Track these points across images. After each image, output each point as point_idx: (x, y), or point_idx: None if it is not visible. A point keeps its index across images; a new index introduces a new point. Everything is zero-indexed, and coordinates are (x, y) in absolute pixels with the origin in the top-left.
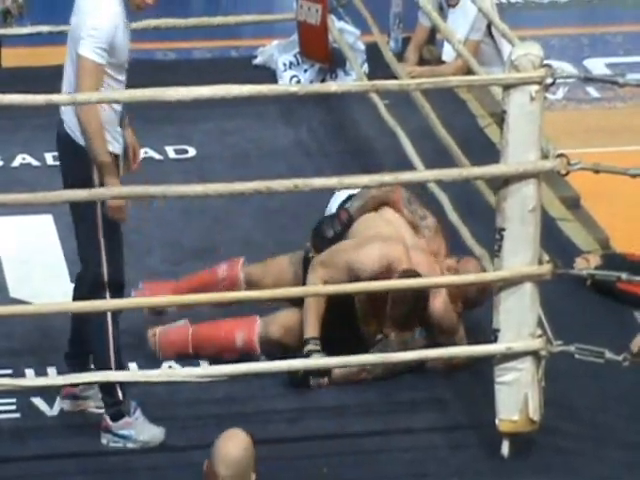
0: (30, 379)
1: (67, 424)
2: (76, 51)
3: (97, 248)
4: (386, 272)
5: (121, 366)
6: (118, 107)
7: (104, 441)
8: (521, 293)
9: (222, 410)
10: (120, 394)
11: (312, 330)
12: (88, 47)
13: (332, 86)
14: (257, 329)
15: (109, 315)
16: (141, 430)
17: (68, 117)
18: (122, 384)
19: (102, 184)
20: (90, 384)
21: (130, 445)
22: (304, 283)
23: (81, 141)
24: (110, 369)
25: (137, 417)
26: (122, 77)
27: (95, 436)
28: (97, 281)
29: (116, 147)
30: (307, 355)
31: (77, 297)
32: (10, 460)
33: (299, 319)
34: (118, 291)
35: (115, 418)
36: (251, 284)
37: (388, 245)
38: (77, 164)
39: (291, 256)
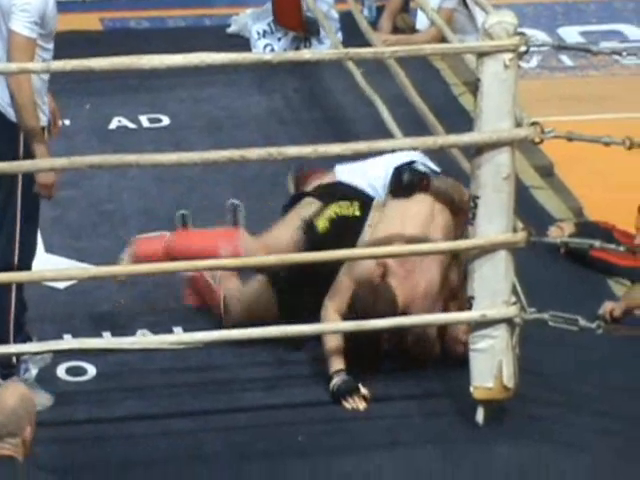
0: (4, 347)
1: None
2: (7, 26)
3: (13, 224)
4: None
5: (21, 337)
6: (45, 77)
7: None
8: (495, 261)
9: (197, 378)
10: (14, 357)
11: (337, 364)
12: (20, 22)
13: (306, 54)
14: (241, 244)
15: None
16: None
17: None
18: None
19: (29, 157)
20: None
21: None
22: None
23: (10, 115)
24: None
25: (26, 378)
26: (50, 45)
27: (69, 405)
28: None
29: (43, 120)
30: (337, 389)
31: None
32: None
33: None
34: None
35: (4, 376)
36: None
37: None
38: (3, 138)
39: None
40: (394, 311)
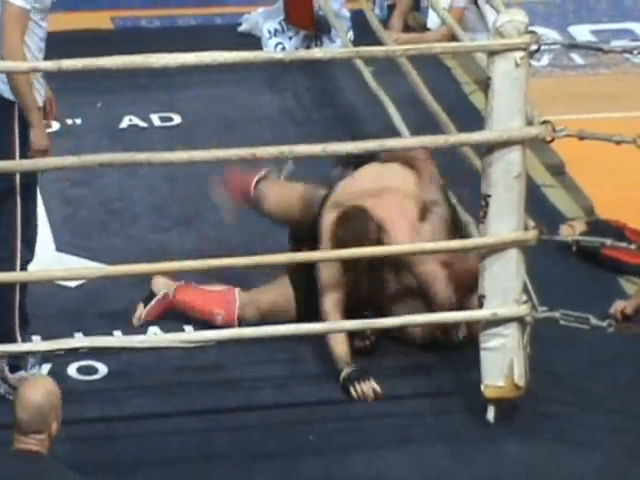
0: (16, 345)
1: None
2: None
3: (13, 209)
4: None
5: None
6: (40, 55)
7: (1, 390)
8: (506, 259)
9: (208, 377)
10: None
11: (344, 358)
12: None
13: (317, 53)
14: (236, 311)
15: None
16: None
17: None
18: (24, 339)
19: (24, 135)
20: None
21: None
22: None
23: (6, 94)
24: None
25: (34, 374)
26: (45, 23)
27: (80, 404)
28: (7, 247)
29: (38, 99)
30: (345, 382)
31: None
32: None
33: (279, 298)
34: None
35: (12, 369)
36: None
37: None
38: None
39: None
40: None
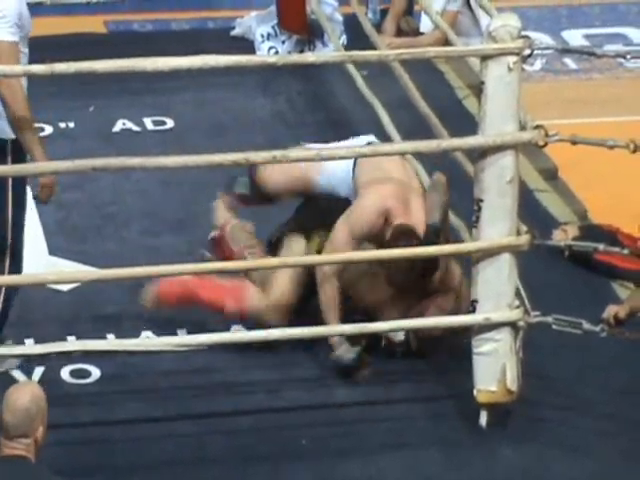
0: (8, 348)
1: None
2: None
3: (5, 221)
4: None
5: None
6: (25, 83)
7: None
8: (499, 264)
9: (201, 380)
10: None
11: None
12: (1, 29)
13: (310, 57)
14: (248, 303)
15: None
16: None
17: None
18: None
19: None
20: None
21: None
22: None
23: None
24: None
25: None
26: (26, 50)
27: (73, 408)
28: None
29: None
30: (339, 357)
31: None
32: None
33: (294, 290)
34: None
35: None
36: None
37: (383, 193)
38: None
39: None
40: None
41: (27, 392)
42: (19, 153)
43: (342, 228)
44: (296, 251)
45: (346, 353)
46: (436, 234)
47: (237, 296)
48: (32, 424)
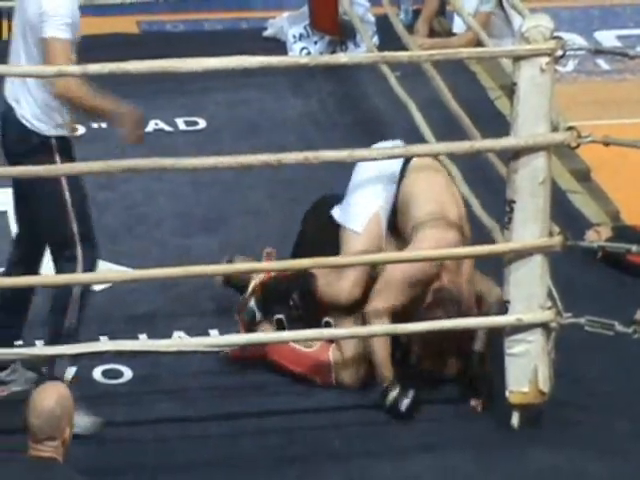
0: (40, 348)
1: (78, 395)
2: (40, 37)
3: (67, 225)
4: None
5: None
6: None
7: None
8: (531, 265)
9: (232, 381)
10: (57, 371)
11: (389, 371)
12: (54, 27)
13: (342, 58)
14: (332, 374)
15: (77, 289)
16: (79, 415)
17: (24, 108)
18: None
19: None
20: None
21: None
22: None
23: (42, 130)
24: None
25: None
26: (74, 56)
27: (105, 408)
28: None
29: (60, 132)
30: (394, 402)
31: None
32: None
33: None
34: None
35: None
36: None
37: (443, 244)
38: (39, 155)
39: None
40: (459, 310)
41: (52, 393)
42: (66, 151)
43: (400, 269)
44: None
45: (401, 397)
46: (481, 361)
47: (321, 368)
48: (58, 426)
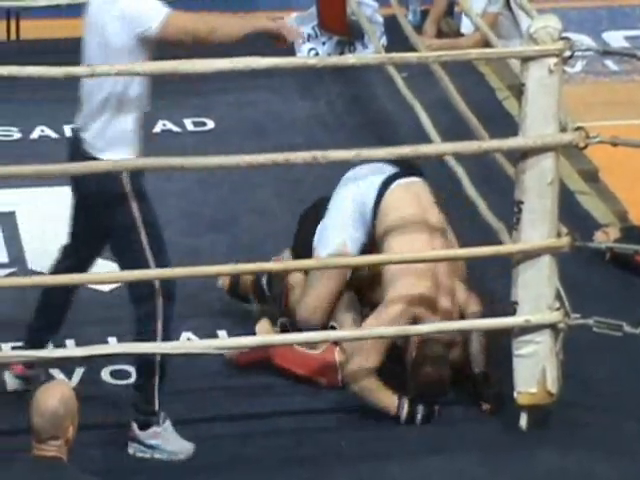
0: (48, 350)
1: (86, 396)
2: (153, 36)
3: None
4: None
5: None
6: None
7: (131, 450)
8: (539, 266)
9: (241, 382)
10: (157, 404)
11: (389, 399)
12: (154, 15)
13: (350, 59)
14: (339, 375)
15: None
16: (169, 441)
17: (93, 137)
18: (160, 393)
19: (139, 192)
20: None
21: (157, 455)
22: None
23: (105, 153)
24: (154, 363)
25: (166, 427)
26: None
27: (113, 408)
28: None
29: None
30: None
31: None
32: (29, 431)
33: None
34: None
35: (143, 427)
36: None
37: (412, 300)
38: (105, 182)
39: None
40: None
41: (56, 393)
42: (137, 180)
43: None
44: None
45: (414, 414)
46: (485, 379)
47: (327, 369)
48: (62, 425)
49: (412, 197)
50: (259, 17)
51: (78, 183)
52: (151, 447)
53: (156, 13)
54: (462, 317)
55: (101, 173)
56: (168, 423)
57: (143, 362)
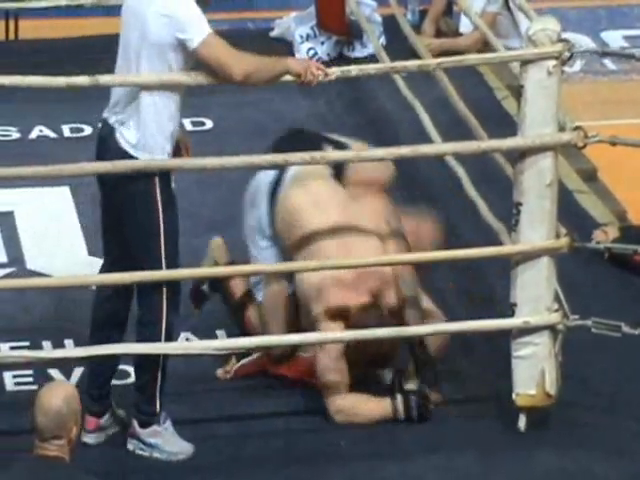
0: (47, 351)
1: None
2: (189, 49)
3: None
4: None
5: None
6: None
7: (130, 447)
8: (538, 267)
9: (238, 383)
10: (158, 405)
11: (381, 408)
12: (198, 30)
13: (352, 70)
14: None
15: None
16: (169, 441)
17: (129, 132)
18: (161, 394)
19: (168, 195)
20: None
21: (157, 454)
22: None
23: (141, 157)
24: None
25: (166, 427)
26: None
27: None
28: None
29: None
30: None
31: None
32: (28, 432)
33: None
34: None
35: (144, 425)
36: None
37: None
38: (136, 183)
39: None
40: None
41: (59, 393)
42: (166, 177)
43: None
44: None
45: (409, 409)
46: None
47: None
48: (65, 425)
49: (312, 199)
50: (286, 58)
51: (108, 181)
52: (150, 446)
53: (200, 27)
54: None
55: (133, 174)
56: (169, 423)
57: (145, 363)
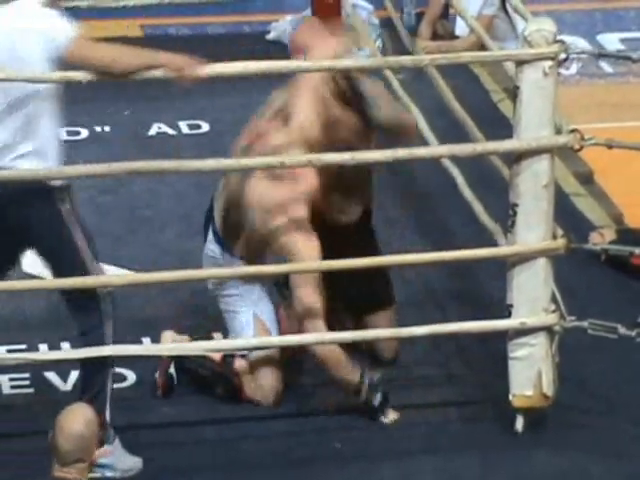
0: (44, 353)
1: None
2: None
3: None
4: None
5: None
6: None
7: None
8: (535, 268)
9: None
10: (109, 416)
11: (352, 374)
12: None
13: (346, 62)
14: None
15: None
16: (120, 458)
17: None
18: (111, 409)
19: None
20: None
21: (109, 474)
22: None
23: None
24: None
25: (116, 445)
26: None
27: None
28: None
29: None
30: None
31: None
32: (23, 435)
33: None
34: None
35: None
36: None
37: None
38: (40, 205)
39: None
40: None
41: (80, 417)
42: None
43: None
44: None
45: (371, 396)
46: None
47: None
48: (87, 449)
49: None
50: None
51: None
52: (102, 466)
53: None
54: None
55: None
56: (117, 441)
57: (93, 372)
